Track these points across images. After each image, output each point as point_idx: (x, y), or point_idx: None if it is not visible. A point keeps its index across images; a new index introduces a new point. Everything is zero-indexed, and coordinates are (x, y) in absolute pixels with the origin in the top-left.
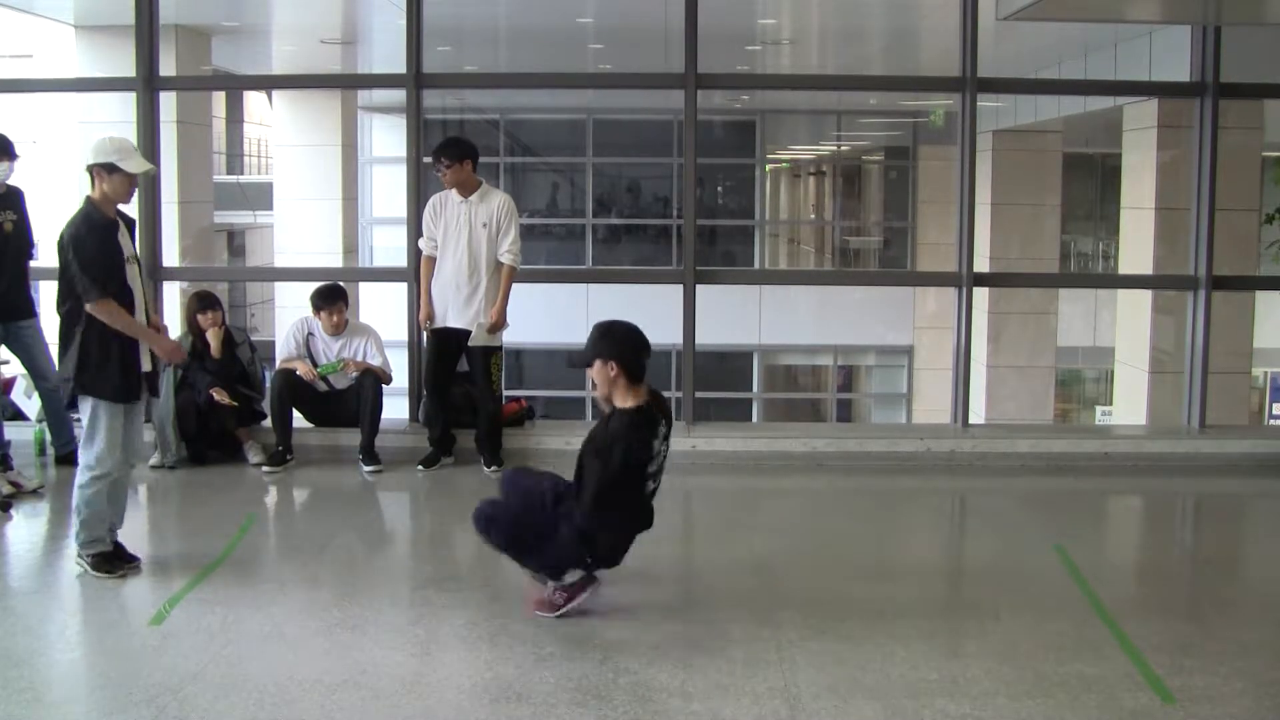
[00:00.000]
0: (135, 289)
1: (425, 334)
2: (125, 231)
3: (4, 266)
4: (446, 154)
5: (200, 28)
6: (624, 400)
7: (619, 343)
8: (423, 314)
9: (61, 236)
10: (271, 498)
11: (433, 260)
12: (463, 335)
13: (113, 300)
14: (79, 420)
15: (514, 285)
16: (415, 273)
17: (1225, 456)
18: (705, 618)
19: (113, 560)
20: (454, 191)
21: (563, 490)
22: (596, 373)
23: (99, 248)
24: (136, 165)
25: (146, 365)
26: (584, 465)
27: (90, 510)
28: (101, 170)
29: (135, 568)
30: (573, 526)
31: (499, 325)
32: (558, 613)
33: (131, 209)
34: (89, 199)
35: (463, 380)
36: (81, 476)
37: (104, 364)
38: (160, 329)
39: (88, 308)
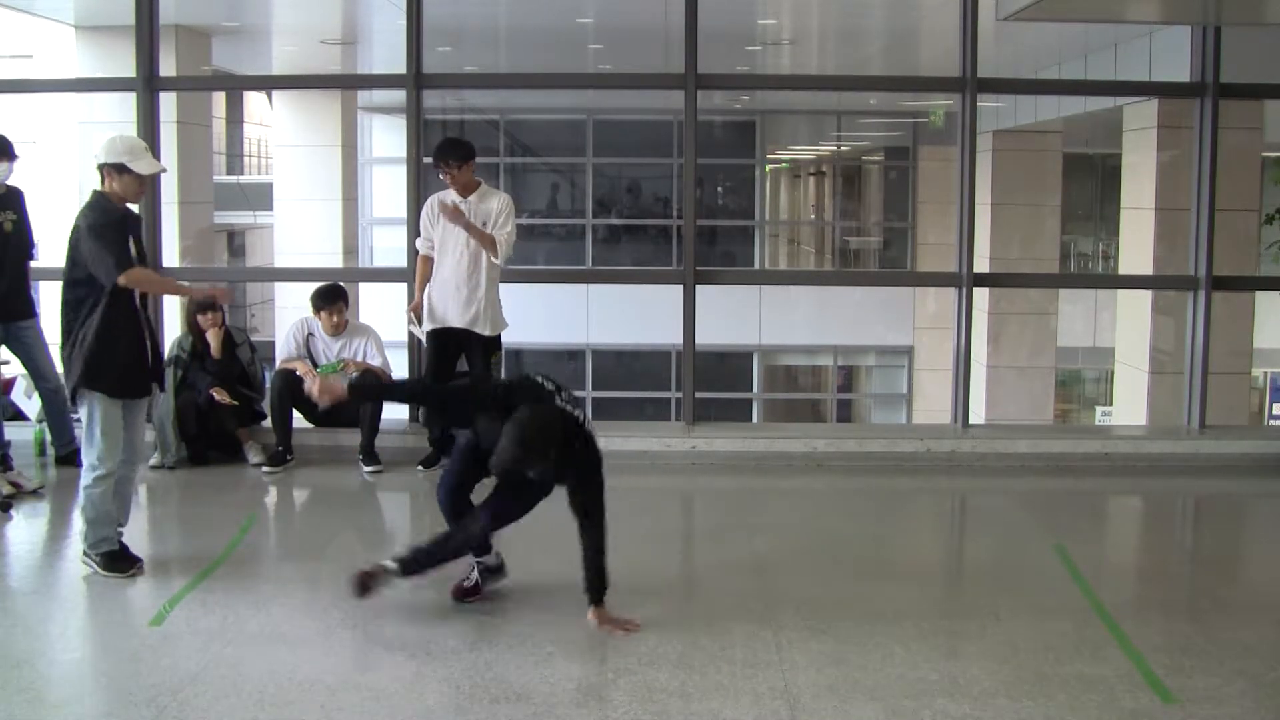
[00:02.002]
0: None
1: (416, 329)
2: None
3: (4, 267)
4: (455, 155)
5: (200, 28)
6: None
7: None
8: (414, 304)
9: (77, 225)
10: (271, 498)
11: (429, 260)
12: (462, 335)
13: (136, 268)
14: (79, 420)
15: (515, 285)
16: (414, 273)
17: (1225, 457)
18: (705, 618)
19: (122, 559)
20: (453, 192)
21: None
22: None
23: (117, 233)
24: (147, 167)
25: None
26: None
27: (97, 511)
28: (111, 170)
29: (139, 568)
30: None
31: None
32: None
33: (133, 209)
34: (99, 192)
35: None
36: (85, 478)
37: (105, 358)
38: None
39: (121, 280)
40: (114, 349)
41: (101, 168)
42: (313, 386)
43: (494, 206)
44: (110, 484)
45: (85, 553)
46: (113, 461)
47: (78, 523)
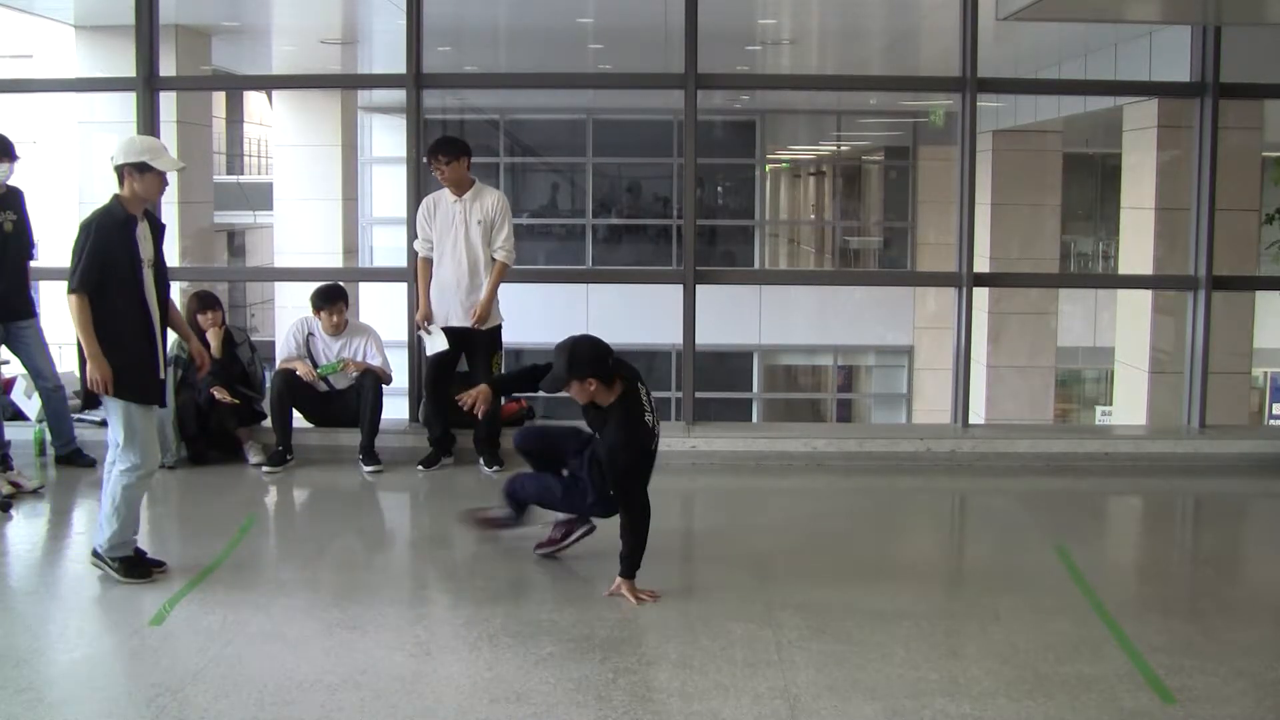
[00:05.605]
0: (150, 293)
1: (421, 335)
2: (149, 234)
3: (4, 267)
4: (445, 151)
5: (200, 28)
6: (607, 398)
7: (587, 362)
8: (420, 313)
9: (83, 224)
10: (271, 498)
11: (429, 262)
12: (463, 334)
13: (89, 300)
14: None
15: (515, 284)
16: (415, 273)
17: (1225, 456)
18: (705, 618)
19: (140, 565)
20: (447, 191)
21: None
22: (576, 392)
23: (108, 245)
24: (168, 164)
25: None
26: (601, 467)
27: (130, 510)
28: (133, 170)
29: (163, 570)
30: (594, 496)
31: (483, 318)
32: (555, 549)
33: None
34: (116, 196)
35: (463, 380)
36: (126, 477)
37: (133, 367)
38: (185, 332)
39: (68, 296)
40: (136, 358)
41: (120, 169)
42: (467, 399)
43: (489, 204)
44: (149, 482)
45: (97, 554)
46: (154, 458)
47: (111, 523)
